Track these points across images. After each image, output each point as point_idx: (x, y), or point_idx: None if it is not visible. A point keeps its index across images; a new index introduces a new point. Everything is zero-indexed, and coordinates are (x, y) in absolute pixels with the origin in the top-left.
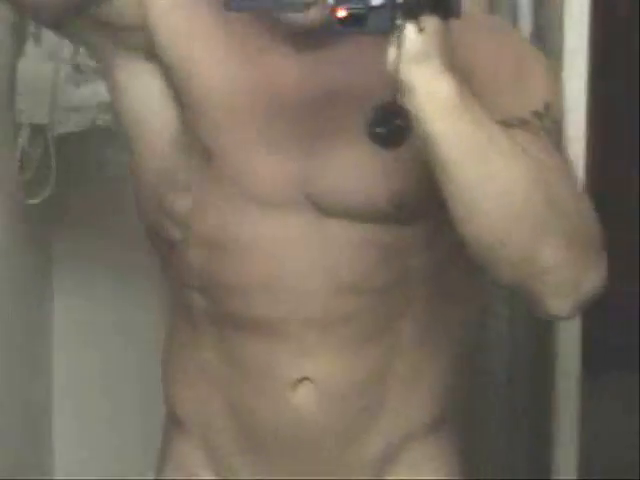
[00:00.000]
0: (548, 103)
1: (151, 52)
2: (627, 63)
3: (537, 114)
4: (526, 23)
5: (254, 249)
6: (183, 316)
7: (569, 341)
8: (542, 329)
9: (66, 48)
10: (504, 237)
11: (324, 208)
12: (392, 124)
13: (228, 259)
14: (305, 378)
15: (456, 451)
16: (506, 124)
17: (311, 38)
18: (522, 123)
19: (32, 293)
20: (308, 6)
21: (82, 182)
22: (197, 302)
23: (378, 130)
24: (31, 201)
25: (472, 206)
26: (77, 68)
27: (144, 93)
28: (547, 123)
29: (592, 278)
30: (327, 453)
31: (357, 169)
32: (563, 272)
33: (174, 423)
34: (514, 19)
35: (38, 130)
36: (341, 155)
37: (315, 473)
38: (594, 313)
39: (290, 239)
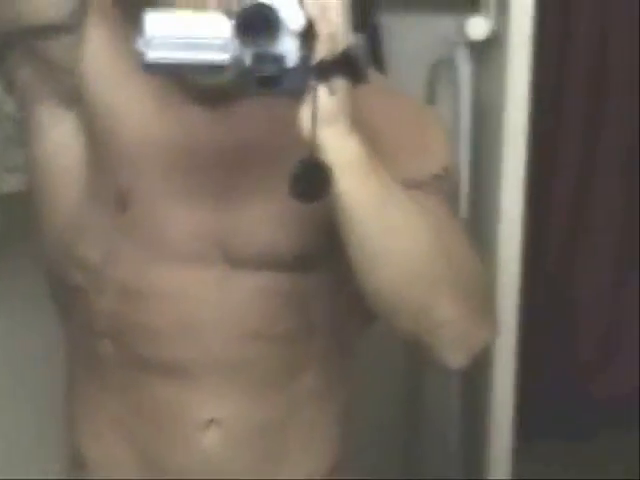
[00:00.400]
0: (447, 167)
1: (74, 97)
2: None
3: (437, 177)
4: None
5: (165, 297)
6: (87, 363)
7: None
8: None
9: (7, 108)
10: (403, 291)
11: (234, 259)
12: (313, 179)
13: (139, 305)
14: (212, 420)
15: None
16: (407, 185)
17: (226, 95)
18: (423, 185)
19: None
20: (224, 69)
21: (22, 243)
22: (104, 348)
23: (301, 187)
24: None
25: (373, 260)
26: (18, 128)
27: (60, 140)
28: (445, 186)
29: (483, 332)
30: None
31: (266, 221)
32: (457, 326)
33: (78, 466)
34: None
35: None
36: (252, 208)
37: None
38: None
39: (200, 288)
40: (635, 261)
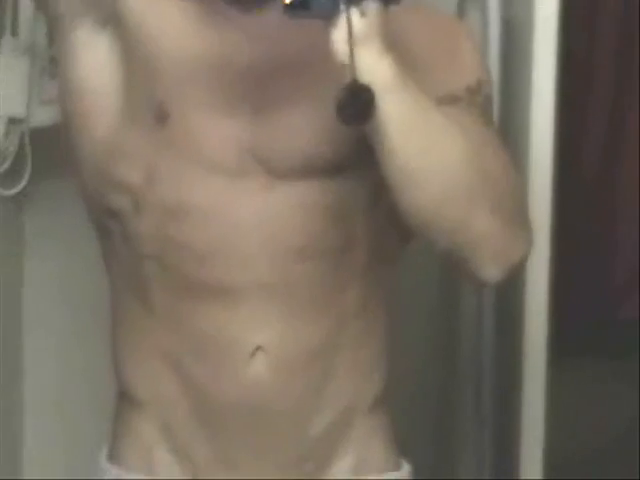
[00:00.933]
0: (480, 79)
1: (109, 15)
2: None
3: (470, 90)
4: None
5: (207, 212)
6: (132, 293)
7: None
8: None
9: (41, 41)
10: (440, 207)
11: (274, 169)
12: (360, 101)
13: (182, 222)
14: (258, 347)
15: (393, 424)
16: (442, 101)
17: (261, 14)
18: (456, 99)
19: (3, 285)
20: None
21: (57, 174)
22: (148, 270)
23: (348, 111)
24: (6, 193)
25: (410, 178)
26: (52, 60)
27: (95, 61)
28: (479, 99)
29: (520, 246)
30: (280, 426)
31: (304, 130)
32: (494, 240)
33: (126, 399)
34: None
35: (14, 123)
36: (289, 118)
37: (269, 447)
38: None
39: (242, 201)
40: None
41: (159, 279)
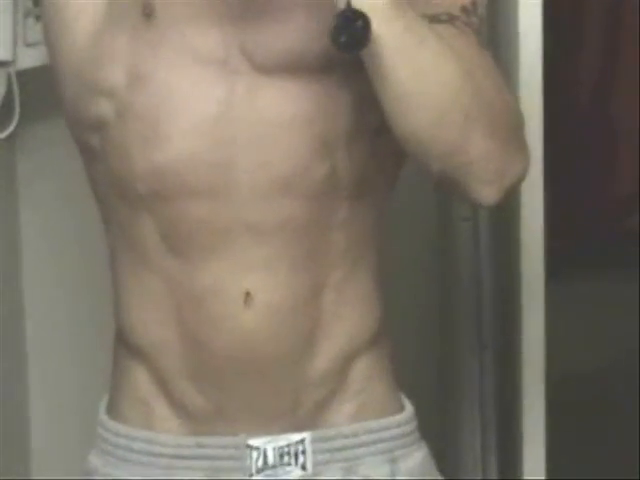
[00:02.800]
0: (475, 0)
1: None
2: None
3: (465, 10)
4: None
5: (197, 113)
6: (126, 239)
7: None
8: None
9: None
10: (435, 130)
11: (260, 63)
12: (354, 27)
13: (166, 126)
14: (247, 293)
15: (393, 362)
16: (437, 19)
17: None
18: (451, 18)
19: None
20: None
21: (47, 116)
22: (136, 206)
23: (342, 38)
24: None
25: (405, 102)
26: (36, 1)
27: None
28: (474, 19)
29: (516, 166)
30: (273, 373)
31: (292, 27)
32: (490, 161)
33: (123, 346)
34: None
35: (0, 66)
36: (277, 14)
37: (264, 395)
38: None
39: (229, 106)
40: None
41: (148, 218)
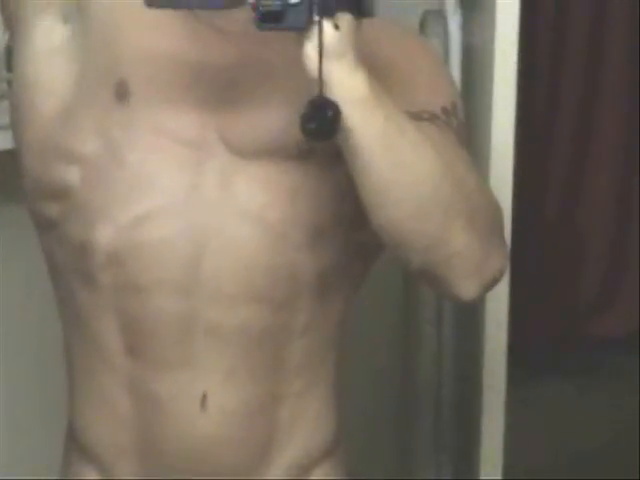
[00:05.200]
0: (455, 103)
1: (73, 12)
2: None
3: (445, 111)
4: None
5: (166, 193)
6: (82, 329)
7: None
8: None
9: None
10: (415, 224)
11: (237, 147)
12: (324, 116)
13: (134, 216)
14: (204, 396)
15: (349, 472)
16: (418, 117)
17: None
18: (432, 117)
19: None
20: (228, 3)
21: (14, 200)
22: (97, 298)
23: (311, 125)
24: None
25: (384, 195)
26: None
27: (50, 51)
28: (454, 121)
29: (496, 260)
30: (229, 478)
31: (268, 113)
32: (470, 256)
33: (75, 448)
34: None
35: None
36: (255, 104)
37: None
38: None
39: (199, 191)
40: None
41: (108, 306)
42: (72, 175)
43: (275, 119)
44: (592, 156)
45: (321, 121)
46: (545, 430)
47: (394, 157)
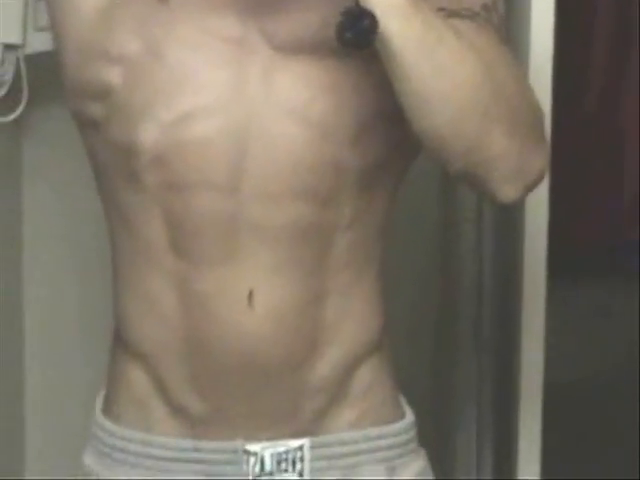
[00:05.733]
0: None
1: None
2: None
3: (486, 7)
4: None
5: (210, 86)
6: (128, 230)
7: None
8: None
9: None
10: (455, 128)
11: (277, 43)
12: (361, 26)
13: (177, 114)
14: (251, 294)
15: (394, 369)
16: (457, 14)
17: None
18: (472, 15)
19: (1, 211)
20: None
21: (54, 101)
22: (142, 198)
23: (348, 35)
24: (3, 120)
25: (424, 101)
26: None
27: None
28: (494, 17)
29: (537, 163)
30: (274, 377)
31: (313, 9)
32: (510, 158)
33: (121, 346)
34: None
35: (9, 50)
36: (294, 1)
37: (263, 399)
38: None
39: (242, 89)
40: None
41: (153, 205)
42: (113, 75)
43: (315, 15)
44: (636, 44)
45: (357, 30)
46: (585, 337)
47: (432, 64)
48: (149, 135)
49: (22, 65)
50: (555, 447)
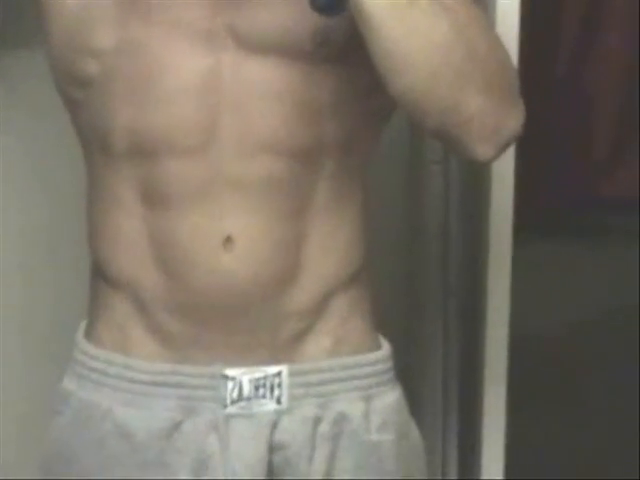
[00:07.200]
0: None
1: None
2: None
3: None
4: None
5: (180, 84)
6: (106, 179)
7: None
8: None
9: None
10: (429, 89)
11: (245, 41)
12: None
13: (147, 104)
14: (228, 238)
15: (372, 302)
16: None
17: None
18: None
19: None
20: None
21: (27, 43)
22: (120, 164)
23: (320, 0)
24: None
25: (397, 61)
26: None
27: None
28: None
29: (512, 122)
30: (253, 311)
31: (283, 4)
32: (485, 118)
33: (100, 277)
34: None
35: None
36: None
37: (242, 328)
38: None
39: (210, 82)
40: None
41: (128, 172)
42: (92, 67)
43: (282, 13)
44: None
45: None
46: (552, 293)
47: (405, 25)
48: (125, 119)
49: None
50: (520, 398)
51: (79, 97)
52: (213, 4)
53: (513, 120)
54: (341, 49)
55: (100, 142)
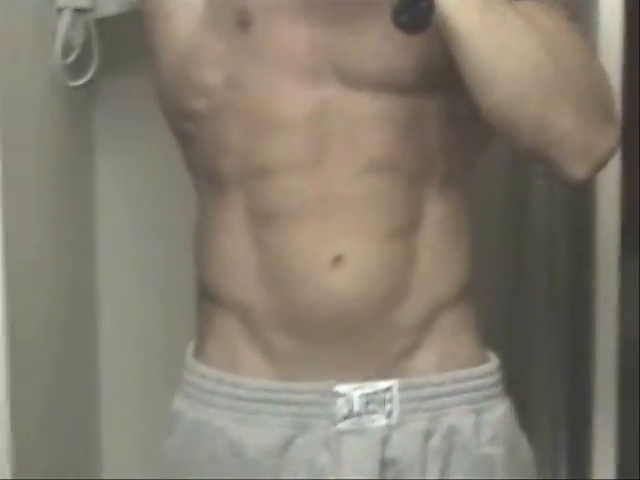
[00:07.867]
0: None
1: None
2: None
3: None
4: None
5: (285, 118)
6: (214, 205)
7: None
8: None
9: None
10: (517, 106)
11: (349, 77)
12: (417, 8)
13: (261, 128)
14: (339, 257)
15: (479, 317)
16: None
17: None
18: None
19: (74, 175)
20: None
21: (124, 64)
22: (229, 189)
23: (404, 17)
24: (73, 83)
25: (487, 80)
26: None
27: None
28: None
29: (606, 141)
30: (362, 325)
31: (385, 39)
32: (578, 137)
33: (208, 299)
34: None
35: (80, 13)
36: (371, 27)
37: (354, 342)
38: None
39: (318, 112)
40: None
41: (238, 193)
42: (201, 103)
43: (392, 46)
44: None
45: (414, 13)
46: None
47: (493, 43)
48: (235, 148)
49: (92, 29)
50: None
51: (187, 129)
52: (316, 40)
53: (607, 138)
54: (441, 77)
55: (209, 169)
